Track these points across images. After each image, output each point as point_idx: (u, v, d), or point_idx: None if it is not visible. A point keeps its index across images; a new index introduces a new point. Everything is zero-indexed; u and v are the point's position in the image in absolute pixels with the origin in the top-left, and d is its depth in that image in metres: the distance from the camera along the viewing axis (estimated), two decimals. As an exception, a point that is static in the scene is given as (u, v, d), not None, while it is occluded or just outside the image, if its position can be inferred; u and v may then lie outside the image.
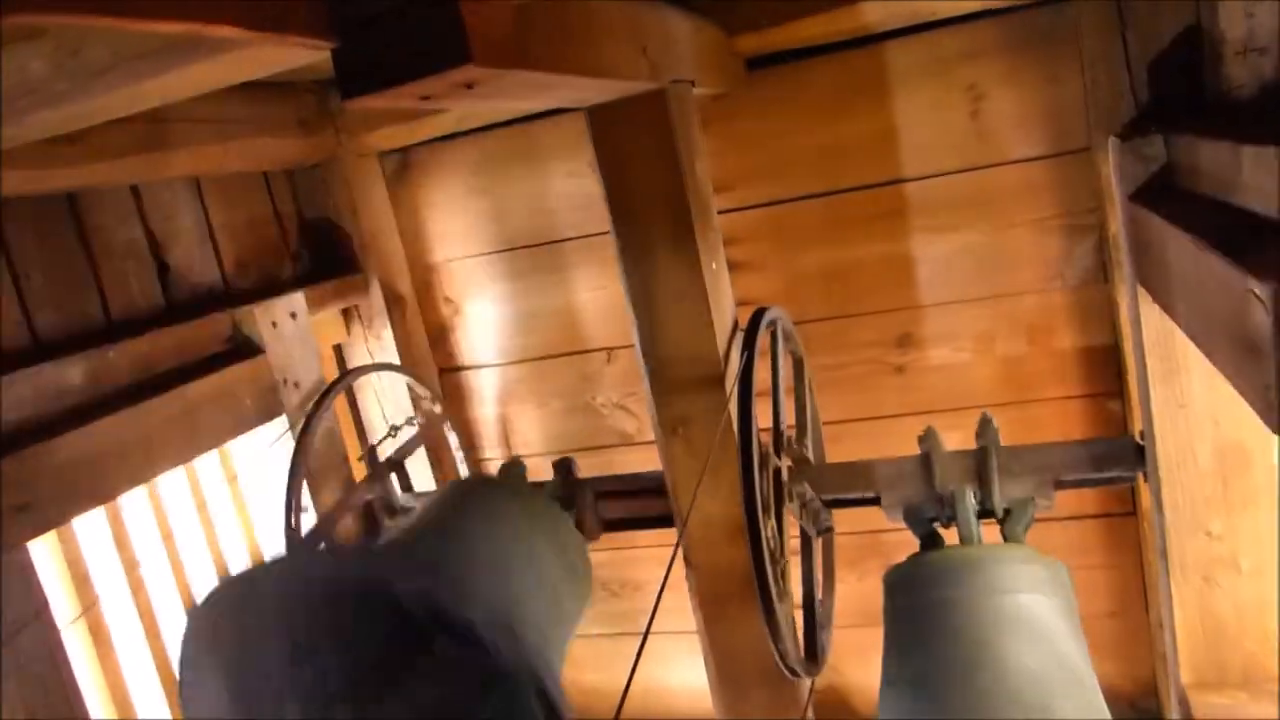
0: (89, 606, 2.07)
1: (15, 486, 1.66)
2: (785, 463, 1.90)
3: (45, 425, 1.78)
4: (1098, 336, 2.54)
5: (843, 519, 2.18)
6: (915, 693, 1.54)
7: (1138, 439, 1.81)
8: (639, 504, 2.17)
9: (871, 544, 2.83)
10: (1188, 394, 1.63)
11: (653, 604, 1.30)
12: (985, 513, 1.81)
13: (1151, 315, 1.60)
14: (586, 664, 3.28)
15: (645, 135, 1.79)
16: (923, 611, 1.64)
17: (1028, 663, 1.49)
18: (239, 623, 1.22)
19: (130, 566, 2.22)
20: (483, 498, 1.74)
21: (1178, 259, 1.21)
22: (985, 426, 1.82)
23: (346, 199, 2.76)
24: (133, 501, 2.23)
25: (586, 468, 2.27)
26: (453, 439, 2.90)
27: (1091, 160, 2.37)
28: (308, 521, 2.37)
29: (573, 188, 2.80)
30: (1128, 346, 2.37)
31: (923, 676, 1.54)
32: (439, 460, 2.92)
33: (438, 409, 2.86)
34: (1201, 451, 1.65)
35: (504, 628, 1.33)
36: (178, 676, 1.25)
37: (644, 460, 2.50)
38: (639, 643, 1.37)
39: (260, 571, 1.38)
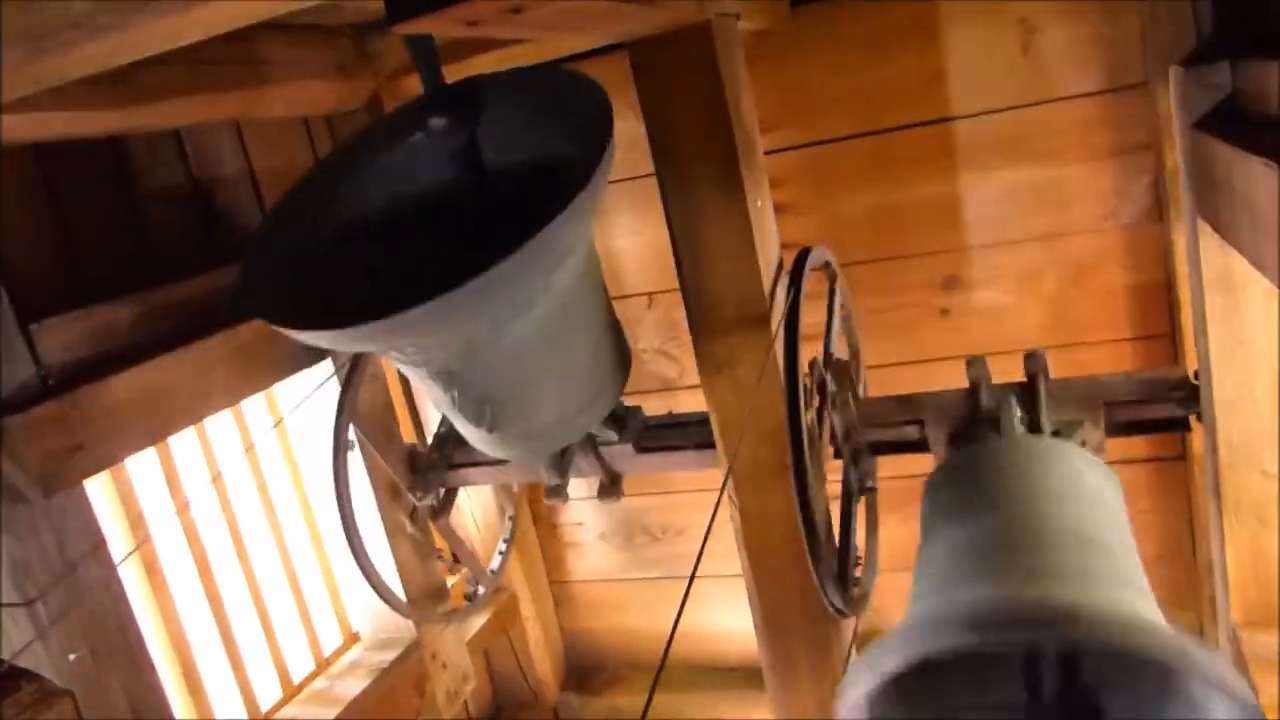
0: (142, 544, 2.11)
1: (69, 427, 1.69)
2: (831, 380, 1.88)
3: (97, 366, 1.81)
4: (1150, 277, 2.49)
5: (886, 464, 2.16)
6: (951, 551, 1.48)
7: (1191, 377, 1.77)
8: (683, 435, 2.18)
9: (915, 489, 2.80)
10: (1246, 331, 1.59)
11: (697, 549, 1.29)
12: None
13: (1211, 250, 1.56)
14: (630, 608, 3.32)
15: (690, 69, 1.77)
16: (964, 486, 1.60)
17: (1072, 515, 1.43)
18: None
19: (182, 507, 2.25)
20: None
21: (1245, 184, 1.17)
22: (1032, 357, 1.79)
23: (387, 143, 2.75)
24: (183, 443, 2.26)
25: (628, 413, 2.28)
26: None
27: (1148, 94, 2.30)
28: (354, 463, 2.40)
29: (613, 128, 2.76)
30: (1182, 286, 2.32)
31: (959, 539, 1.48)
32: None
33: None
34: (1259, 389, 1.61)
35: None
36: None
37: (686, 405, 2.49)
38: (684, 587, 1.37)
39: None
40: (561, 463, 2.29)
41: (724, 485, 1.68)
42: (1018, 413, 1.72)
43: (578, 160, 1.56)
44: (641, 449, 2.25)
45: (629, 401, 2.27)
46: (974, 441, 1.77)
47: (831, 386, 1.87)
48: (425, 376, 1.79)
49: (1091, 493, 1.52)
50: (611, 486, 2.33)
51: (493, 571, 2.88)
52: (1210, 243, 1.54)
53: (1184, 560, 2.69)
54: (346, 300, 1.64)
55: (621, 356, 2.03)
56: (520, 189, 1.79)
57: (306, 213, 1.82)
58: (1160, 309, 2.50)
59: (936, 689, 1.35)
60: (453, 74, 2.71)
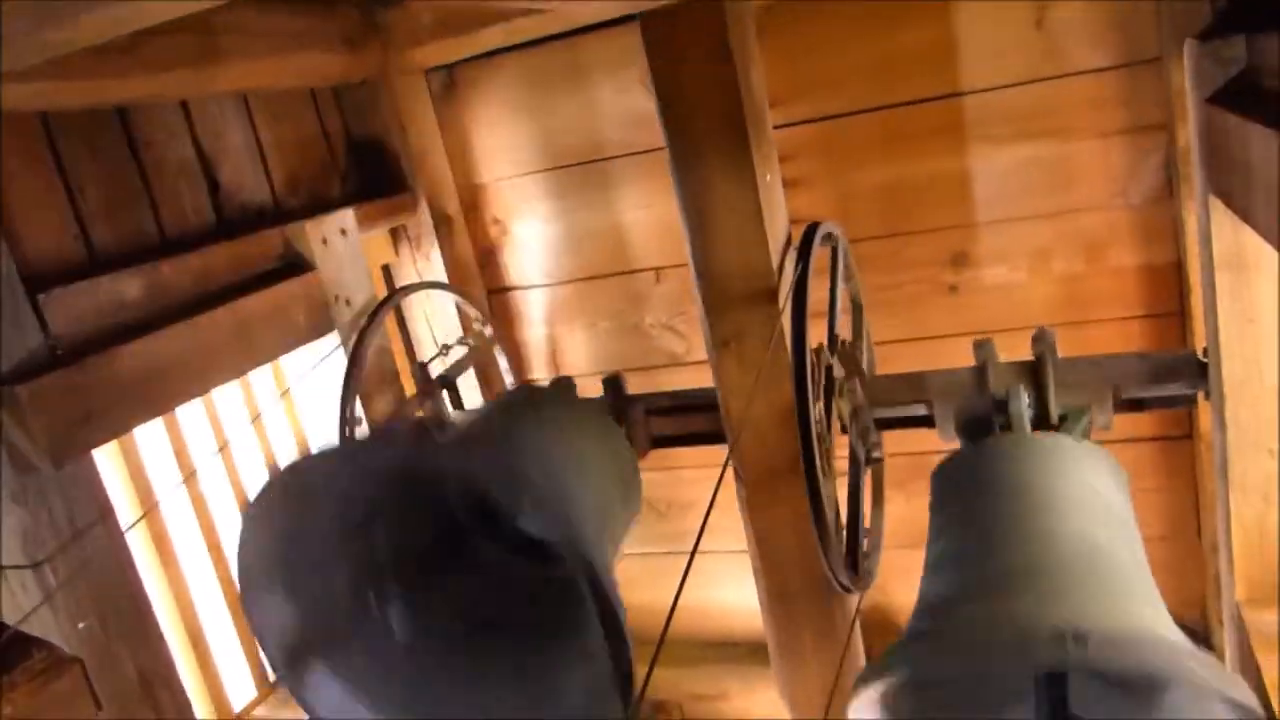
0: (150, 513, 2.12)
1: (77, 396, 1.69)
2: (837, 366, 1.88)
3: (104, 337, 1.81)
4: (1160, 255, 2.47)
5: (892, 440, 2.16)
6: (957, 559, 1.50)
7: (1200, 356, 1.77)
8: (689, 420, 2.16)
9: (921, 465, 2.79)
10: (1257, 309, 1.58)
11: (699, 524, 1.30)
12: (1040, 423, 1.77)
13: (1222, 227, 1.55)
14: (636, 583, 3.30)
15: (700, 41, 1.76)
16: (971, 489, 1.61)
17: (1079, 531, 1.44)
18: (293, 502, 1.25)
19: (189, 477, 2.26)
20: (535, 405, 1.75)
21: (1260, 159, 1.16)
22: (1041, 336, 1.79)
23: (393, 117, 2.74)
24: (190, 414, 2.27)
25: (634, 389, 2.27)
26: (502, 360, 2.91)
27: (1162, 70, 2.28)
28: (360, 436, 2.40)
29: (621, 103, 2.76)
30: (1193, 264, 2.31)
31: (966, 546, 1.49)
32: (488, 380, 2.93)
33: (487, 330, 2.87)
34: (1268, 368, 1.61)
35: (554, 516, 1.34)
36: (236, 555, 1.28)
37: (692, 381, 2.48)
38: (687, 560, 1.37)
39: (315, 457, 1.40)
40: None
41: (727, 460, 1.68)
42: (1026, 401, 1.73)
43: None
44: (652, 443, 2.23)
45: (635, 377, 2.26)
46: (982, 432, 1.78)
47: (838, 372, 1.87)
48: None
49: (1101, 501, 1.53)
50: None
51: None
52: (1221, 219, 1.53)
53: (1189, 539, 2.69)
54: None
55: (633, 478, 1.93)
56: None
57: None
58: (1170, 287, 2.49)
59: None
60: (455, 47, 2.71)
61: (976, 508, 1.56)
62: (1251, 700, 1.11)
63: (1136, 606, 1.32)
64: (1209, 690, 1.11)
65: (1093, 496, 1.52)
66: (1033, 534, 1.44)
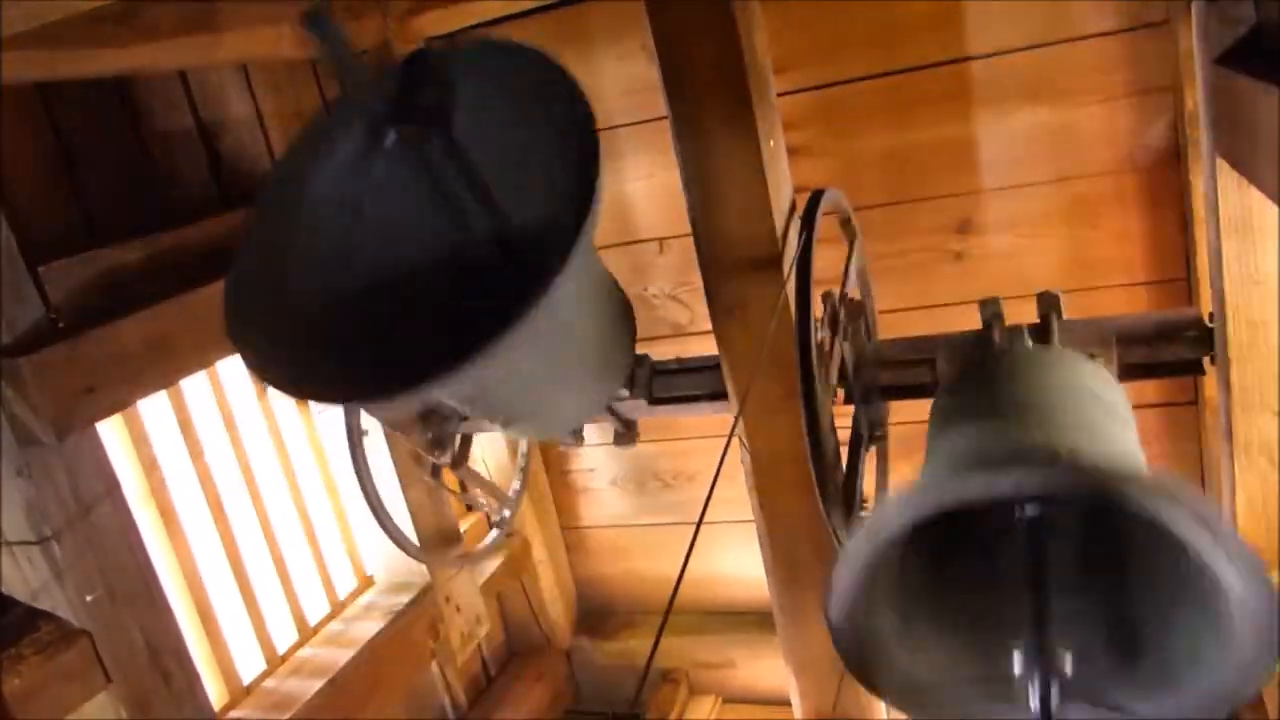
0: (157, 489, 2.13)
1: (80, 369, 1.69)
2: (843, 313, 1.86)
3: (106, 309, 1.81)
4: (1166, 220, 2.46)
5: (897, 410, 2.15)
6: (954, 440, 1.47)
7: (1206, 319, 1.75)
8: (694, 381, 2.16)
9: (925, 435, 2.81)
10: (1263, 270, 1.57)
11: (706, 494, 1.30)
12: None
13: (1229, 189, 1.53)
14: (642, 553, 3.34)
15: (703, 7, 1.74)
16: (967, 393, 1.59)
17: (1076, 405, 1.42)
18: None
19: (195, 452, 2.27)
20: None
21: (1268, 119, 1.15)
22: (1045, 296, 1.77)
23: (395, 87, 2.72)
24: (195, 387, 2.27)
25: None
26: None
27: (1169, 33, 2.26)
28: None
29: (623, 72, 2.73)
30: (1199, 229, 2.29)
31: (961, 431, 1.47)
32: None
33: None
34: (1274, 330, 1.60)
35: None
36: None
37: (697, 351, 2.48)
38: (693, 531, 1.38)
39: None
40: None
41: (734, 427, 1.67)
42: (1029, 342, 1.71)
43: (564, 178, 1.37)
44: (654, 400, 2.23)
45: (640, 348, 2.26)
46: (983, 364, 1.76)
47: (844, 319, 1.85)
48: (439, 402, 1.76)
49: (1096, 388, 1.51)
50: (627, 433, 2.33)
51: (506, 515, 2.90)
52: (1228, 182, 1.51)
53: (1195, 504, 2.69)
54: (347, 351, 1.49)
55: (626, 331, 1.98)
56: (505, 199, 1.56)
57: (275, 262, 1.56)
58: (1176, 253, 2.48)
59: (935, 598, 1.34)
60: (457, 16, 2.69)
61: (972, 408, 1.52)
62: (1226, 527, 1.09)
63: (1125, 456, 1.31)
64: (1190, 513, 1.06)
65: (1091, 389, 1.51)
66: (1027, 403, 1.43)
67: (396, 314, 1.53)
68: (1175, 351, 1.78)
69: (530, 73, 1.43)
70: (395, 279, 1.58)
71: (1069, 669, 1.13)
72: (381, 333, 1.49)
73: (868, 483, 2.13)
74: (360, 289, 1.56)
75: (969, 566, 1.34)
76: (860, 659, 1.28)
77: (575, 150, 1.35)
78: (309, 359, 1.45)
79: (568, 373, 1.83)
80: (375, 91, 1.47)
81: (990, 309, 1.81)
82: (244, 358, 1.43)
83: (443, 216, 1.57)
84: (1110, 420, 1.44)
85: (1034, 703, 1.13)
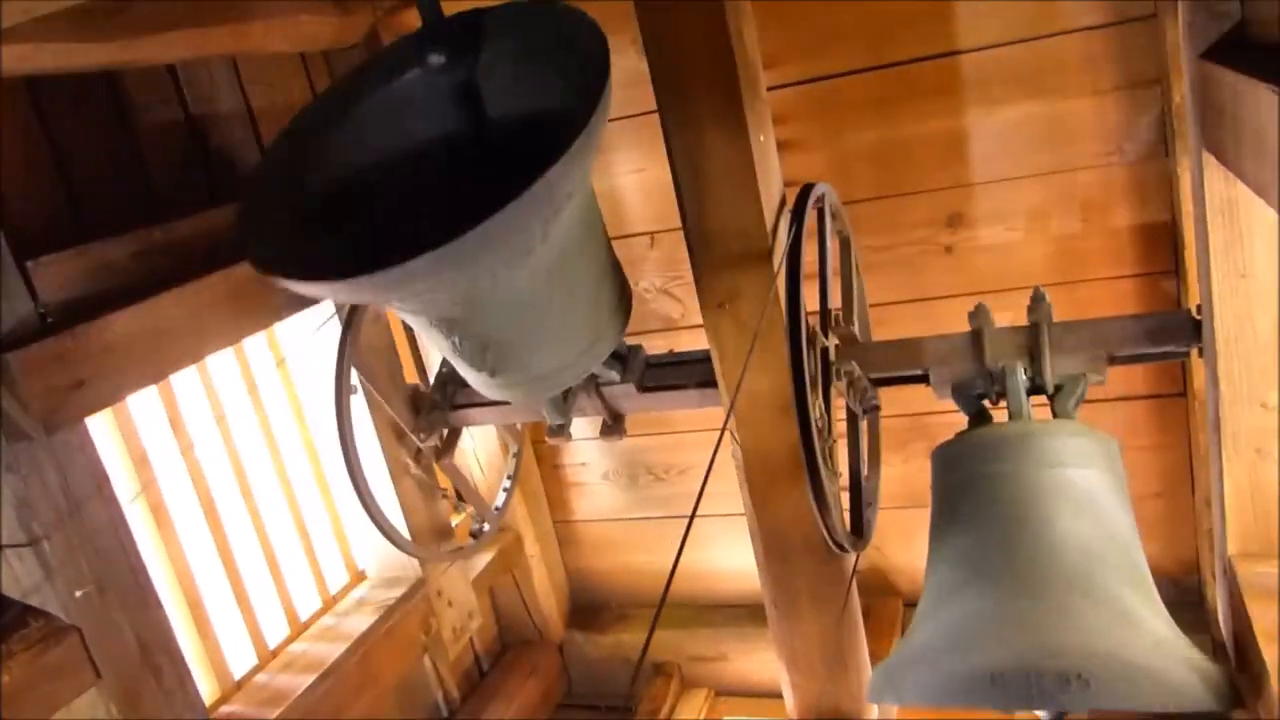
0: (148, 485, 2.13)
1: (69, 363, 1.69)
2: (833, 341, 1.88)
3: (95, 304, 1.80)
4: (1155, 213, 2.47)
5: (890, 401, 2.16)
6: (960, 563, 1.56)
7: (1194, 314, 1.77)
8: (686, 373, 2.17)
9: (918, 426, 2.82)
10: (1249, 264, 1.58)
11: (698, 488, 1.30)
12: (1036, 390, 1.79)
13: (1216, 182, 1.54)
14: (634, 547, 3.35)
15: (692, 1, 1.74)
16: (970, 485, 1.65)
17: (1074, 532, 1.50)
18: None
19: (186, 448, 2.27)
20: None
21: (1253, 112, 1.15)
22: (1037, 302, 1.79)
23: (385, 81, 2.72)
24: (185, 382, 2.27)
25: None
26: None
27: (1157, 27, 2.27)
28: (356, 403, 2.41)
29: (614, 65, 2.72)
30: (1187, 222, 2.30)
31: (968, 547, 1.55)
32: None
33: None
34: (1261, 322, 1.61)
35: None
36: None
37: (688, 346, 2.48)
38: (686, 524, 1.39)
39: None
40: (564, 403, 2.30)
41: (726, 420, 1.68)
42: (1022, 377, 1.74)
43: (576, 103, 1.52)
44: (644, 388, 2.25)
45: (631, 341, 2.26)
46: (977, 402, 1.80)
47: (834, 356, 1.87)
48: (426, 325, 1.78)
49: (1097, 501, 1.58)
50: (614, 425, 2.34)
51: (497, 509, 2.91)
52: (1214, 175, 1.52)
53: (1182, 496, 2.71)
54: (344, 250, 1.62)
55: (622, 297, 2.02)
56: (519, 131, 1.75)
57: (302, 157, 1.77)
58: (1164, 245, 2.49)
59: None
60: (447, 9, 2.69)
61: (972, 513, 1.63)
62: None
63: (1132, 624, 1.39)
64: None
65: (1088, 497, 1.59)
66: (1030, 547, 1.52)
67: (412, 227, 1.61)
68: (1165, 345, 1.80)
69: (554, 20, 1.67)
70: (416, 192, 1.78)
71: None
72: (392, 236, 1.59)
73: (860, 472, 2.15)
74: (382, 198, 1.77)
75: None
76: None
77: (589, 73, 1.53)
78: (313, 251, 1.61)
79: (560, 305, 1.85)
80: (435, 26, 1.72)
81: (979, 318, 1.83)
82: (240, 235, 1.60)
83: (470, 138, 1.79)
84: (1113, 543, 1.55)
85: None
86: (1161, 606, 1.53)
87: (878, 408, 2.05)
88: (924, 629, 1.57)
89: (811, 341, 1.82)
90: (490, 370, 1.87)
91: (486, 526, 2.83)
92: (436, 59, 1.73)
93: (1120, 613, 1.44)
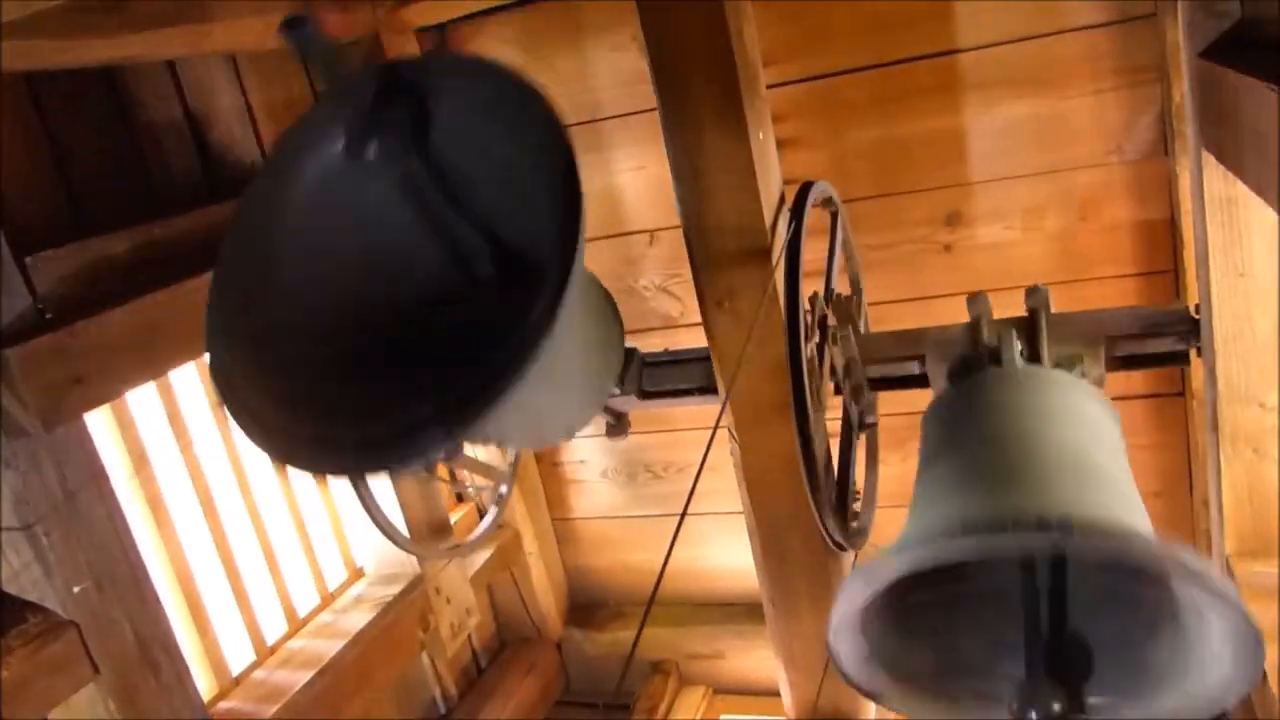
0: (145, 478, 2.13)
1: (67, 359, 1.69)
2: (832, 316, 1.87)
3: (94, 300, 1.80)
4: (1154, 212, 2.47)
5: (886, 401, 2.16)
6: (947, 475, 1.49)
7: (1192, 311, 1.76)
8: (684, 373, 2.16)
9: (915, 425, 2.81)
10: (1248, 263, 1.58)
11: (700, 486, 1.30)
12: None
13: (1215, 181, 1.54)
14: (633, 545, 3.35)
15: (693, -1, 1.74)
16: (961, 415, 1.59)
17: (1071, 440, 1.43)
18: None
19: (185, 444, 2.27)
20: None
21: (1252, 112, 1.15)
22: (1034, 291, 1.78)
23: (384, 78, 2.71)
24: (184, 379, 2.27)
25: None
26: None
27: (1157, 26, 2.27)
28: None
29: (615, 63, 2.73)
30: (1186, 220, 2.30)
31: (956, 463, 1.48)
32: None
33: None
34: (1259, 322, 1.61)
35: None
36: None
37: (687, 344, 2.48)
38: (678, 521, 1.38)
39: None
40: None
41: (719, 417, 1.68)
42: (1018, 346, 1.72)
43: (546, 210, 1.28)
44: (644, 395, 2.23)
45: (631, 339, 2.25)
46: (972, 373, 1.77)
47: (832, 321, 1.86)
48: None
49: (1090, 420, 1.52)
50: (618, 425, 2.33)
51: (501, 496, 2.89)
52: (1214, 174, 1.52)
53: (1180, 496, 2.71)
54: (323, 388, 1.35)
55: (616, 337, 1.97)
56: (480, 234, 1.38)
57: (248, 279, 1.46)
58: (1164, 244, 2.49)
59: (933, 627, 1.37)
60: (447, 7, 2.68)
61: (965, 430, 1.54)
62: (1229, 590, 1.13)
63: (1124, 513, 1.33)
64: (1188, 576, 1.12)
65: (1081, 415, 1.52)
66: (1020, 447, 1.43)
67: (379, 343, 1.38)
68: (1163, 344, 1.79)
69: (504, 91, 1.35)
70: (378, 302, 1.43)
71: (1059, 709, 1.18)
72: (364, 372, 1.35)
73: (857, 472, 2.15)
74: (339, 312, 1.41)
75: (963, 588, 1.37)
76: (861, 675, 1.35)
77: (553, 169, 1.29)
78: (298, 413, 1.33)
79: (564, 389, 1.81)
80: (356, 102, 1.37)
81: (978, 305, 1.82)
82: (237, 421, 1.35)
83: (428, 237, 1.41)
84: (1101, 458, 1.45)
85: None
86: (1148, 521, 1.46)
87: (874, 425, 2.04)
88: (904, 532, 1.50)
89: (812, 306, 1.81)
90: (496, 444, 1.84)
91: (505, 490, 2.80)
92: (372, 152, 1.37)
93: (1120, 503, 1.38)
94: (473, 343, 1.23)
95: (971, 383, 1.70)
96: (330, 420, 1.29)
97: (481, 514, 2.85)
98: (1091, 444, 1.45)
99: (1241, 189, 1.45)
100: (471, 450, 3.05)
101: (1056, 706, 1.19)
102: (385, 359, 1.34)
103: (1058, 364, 1.73)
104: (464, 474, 2.77)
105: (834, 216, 2.08)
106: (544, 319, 1.18)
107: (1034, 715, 1.19)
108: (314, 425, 1.30)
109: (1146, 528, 1.32)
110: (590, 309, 1.83)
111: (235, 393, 1.36)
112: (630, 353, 2.16)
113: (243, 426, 1.32)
